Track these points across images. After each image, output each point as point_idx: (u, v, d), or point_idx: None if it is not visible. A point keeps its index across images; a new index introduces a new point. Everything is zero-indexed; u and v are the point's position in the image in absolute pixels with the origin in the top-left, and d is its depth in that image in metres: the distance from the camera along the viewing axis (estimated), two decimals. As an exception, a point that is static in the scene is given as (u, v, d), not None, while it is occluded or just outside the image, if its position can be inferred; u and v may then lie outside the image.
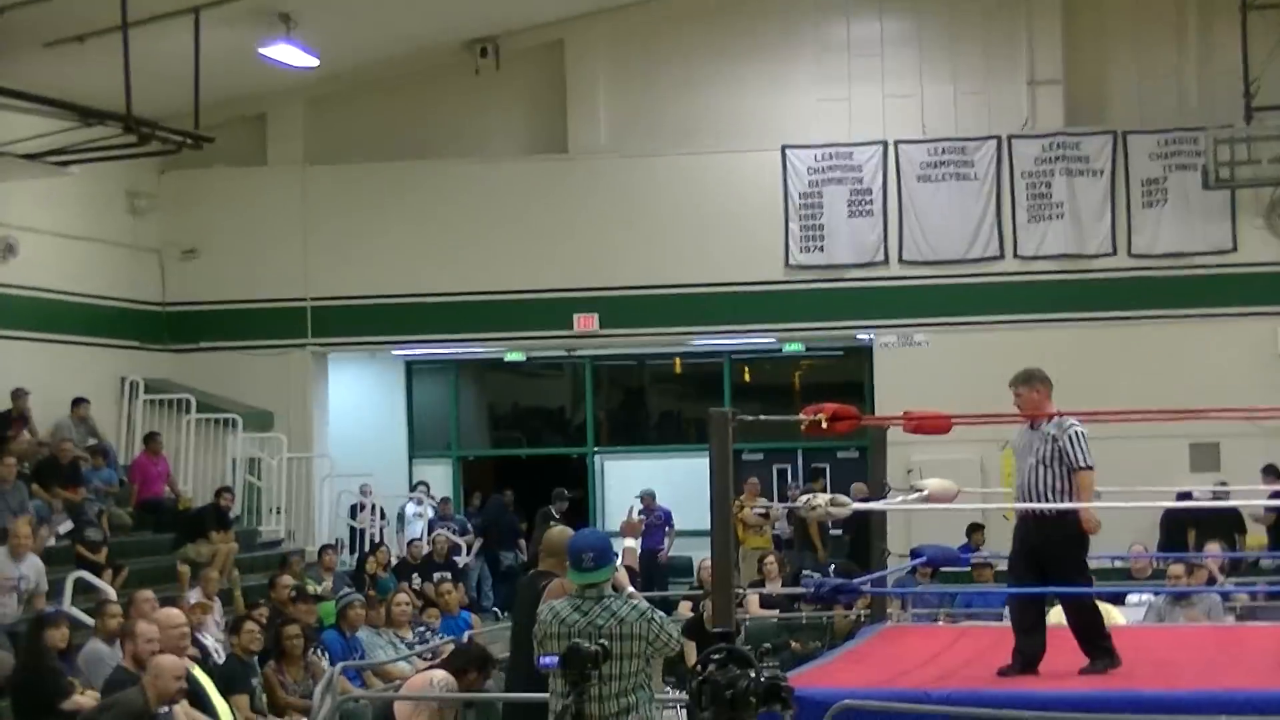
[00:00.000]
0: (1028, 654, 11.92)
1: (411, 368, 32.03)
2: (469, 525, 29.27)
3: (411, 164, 29.35)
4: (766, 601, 19.93)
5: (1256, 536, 25.17)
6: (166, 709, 12.43)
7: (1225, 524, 24.10)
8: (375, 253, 29.18)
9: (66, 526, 21.58)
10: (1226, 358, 26.52)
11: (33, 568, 18.34)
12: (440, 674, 12.68)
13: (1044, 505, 11.90)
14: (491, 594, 29.24)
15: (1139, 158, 27.66)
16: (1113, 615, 16.54)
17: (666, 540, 28.64)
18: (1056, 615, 16.14)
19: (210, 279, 29.22)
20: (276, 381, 28.89)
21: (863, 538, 19.25)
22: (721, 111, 29.03)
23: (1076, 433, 11.96)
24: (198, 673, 14.15)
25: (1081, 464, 11.89)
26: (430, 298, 29.10)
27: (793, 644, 18.36)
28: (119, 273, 28.29)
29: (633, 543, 10.91)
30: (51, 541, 21.07)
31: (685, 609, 19.83)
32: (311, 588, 20.93)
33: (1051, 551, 11.98)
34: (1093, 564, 19.93)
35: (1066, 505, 11.83)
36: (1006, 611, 18.34)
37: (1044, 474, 11.93)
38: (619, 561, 10.12)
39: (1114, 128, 27.85)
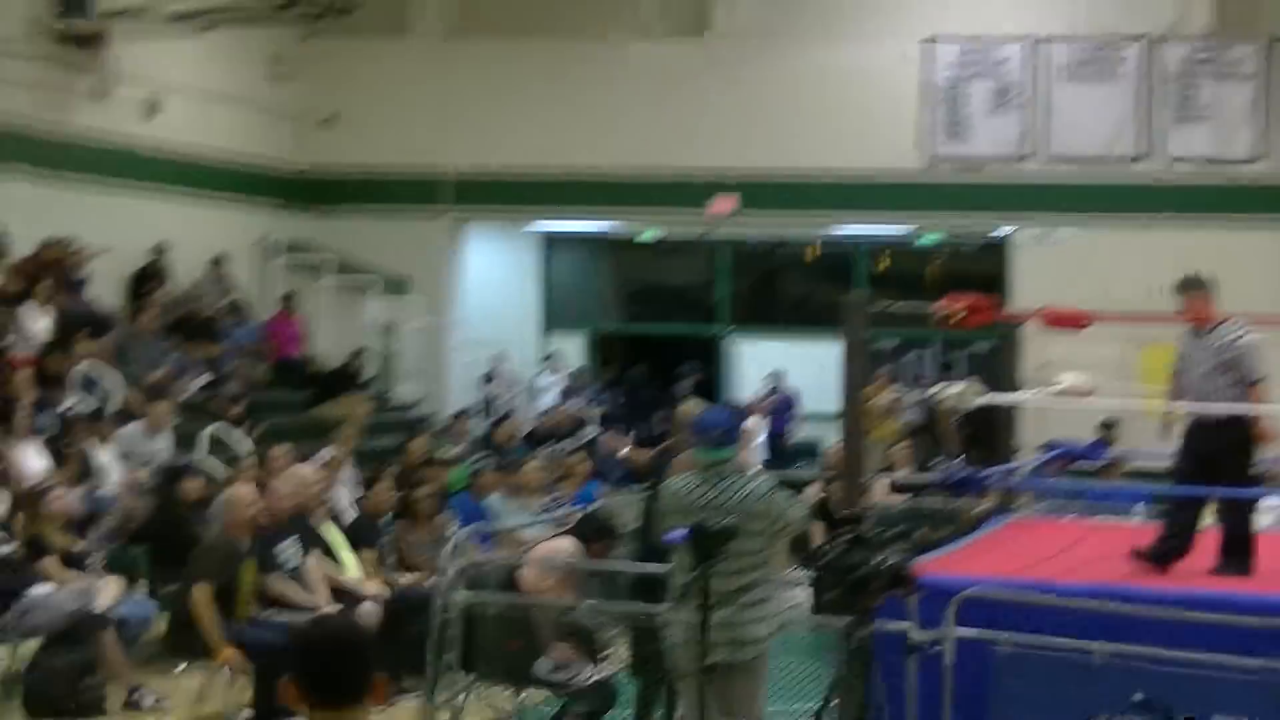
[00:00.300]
0: (1167, 551, 11.93)
1: (550, 241, 32.12)
2: (602, 398, 29.42)
3: (553, 41, 29.32)
4: (894, 488, 19.93)
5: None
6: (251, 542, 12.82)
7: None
8: (516, 126, 29.21)
9: (203, 380, 21.89)
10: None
11: (167, 443, 18.59)
12: (567, 542, 12.80)
13: (1215, 410, 11.90)
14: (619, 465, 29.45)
15: (1288, 64, 27.30)
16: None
17: (791, 424, 28.73)
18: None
19: (350, 145, 29.32)
20: (414, 248, 29.03)
21: (985, 432, 19.23)
22: (867, -1, 28.92)
23: (1249, 342, 11.90)
24: (329, 528, 14.42)
25: (1255, 375, 11.85)
26: (570, 173, 29.14)
27: (924, 531, 18.34)
28: (259, 136, 28.46)
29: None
30: (190, 394, 21.38)
31: (813, 492, 19.87)
32: (443, 452, 21.14)
33: (1222, 458, 11.96)
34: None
35: (1238, 408, 11.89)
36: (1141, 509, 18.41)
37: (1216, 383, 11.89)
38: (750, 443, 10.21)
39: (1265, 34, 27.42)
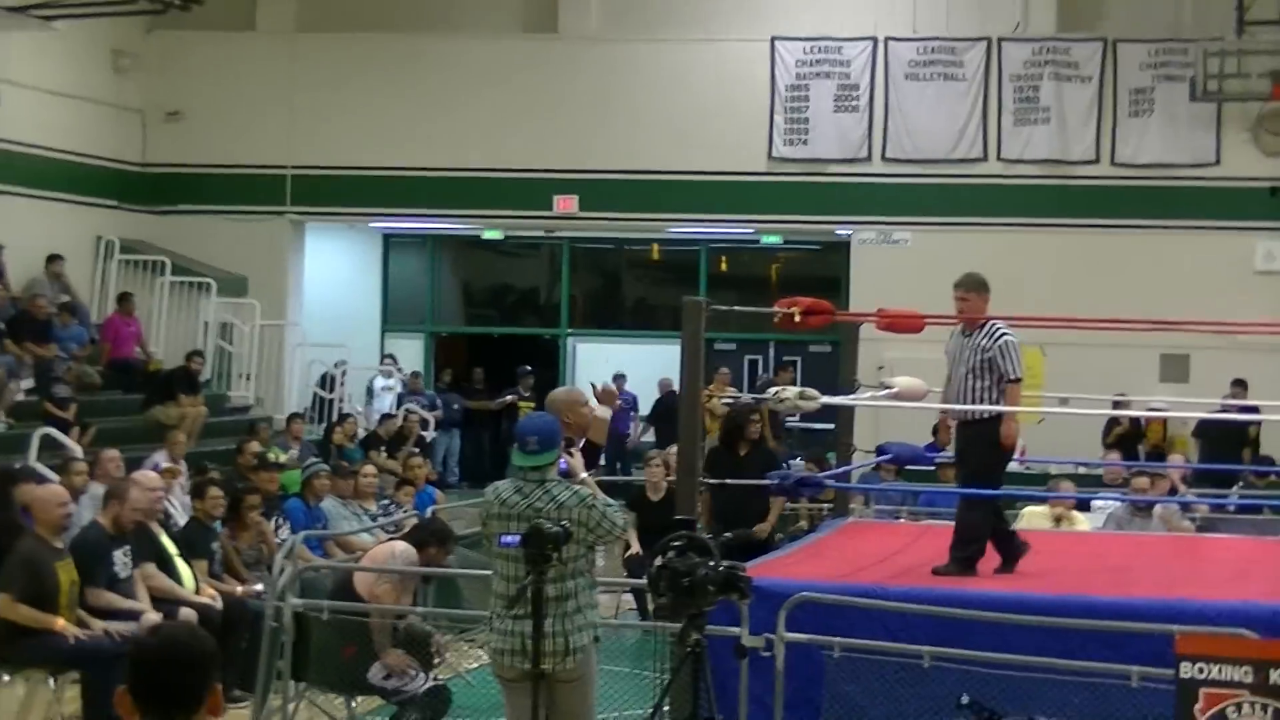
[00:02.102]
0: (968, 558, 11.99)
1: (389, 241, 31.96)
2: (438, 401, 29.29)
3: (400, 37, 29.21)
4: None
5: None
6: (62, 544, 12.56)
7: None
8: (359, 124, 29.10)
9: (30, 384, 21.56)
10: (1204, 270, 26.57)
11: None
12: (401, 546, 12.69)
13: (970, 408, 12.01)
14: (457, 469, 29.35)
15: (1128, 66, 27.57)
16: (1077, 521, 16.68)
17: (633, 425, 28.78)
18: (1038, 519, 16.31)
19: (192, 142, 29.09)
20: (253, 248, 28.81)
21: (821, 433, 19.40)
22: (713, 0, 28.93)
23: (1008, 342, 11.99)
24: (162, 537, 14.20)
25: (1012, 375, 11.92)
26: (411, 172, 29.06)
27: (757, 528, 18.37)
28: (101, 131, 28.15)
29: (604, 412, 10.82)
30: (19, 397, 21.05)
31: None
32: (276, 455, 20.93)
33: (968, 454, 12.09)
34: (1059, 468, 20.19)
35: (991, 409, 11.98)
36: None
37: (974, 383, 11.97)
38: (592, 432, 10.15)
39: (1105, 35, 27.73)
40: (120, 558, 13.18)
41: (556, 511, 9.09)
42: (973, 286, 12.37)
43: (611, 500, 9.75)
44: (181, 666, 4.69)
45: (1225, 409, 22.73)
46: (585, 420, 10.33)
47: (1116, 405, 22.62)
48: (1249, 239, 27.08)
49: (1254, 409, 22.79)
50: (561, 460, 9.53)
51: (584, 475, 9.70)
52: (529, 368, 29.22)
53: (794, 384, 24.46)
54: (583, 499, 9.23)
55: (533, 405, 26.63)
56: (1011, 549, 12.16)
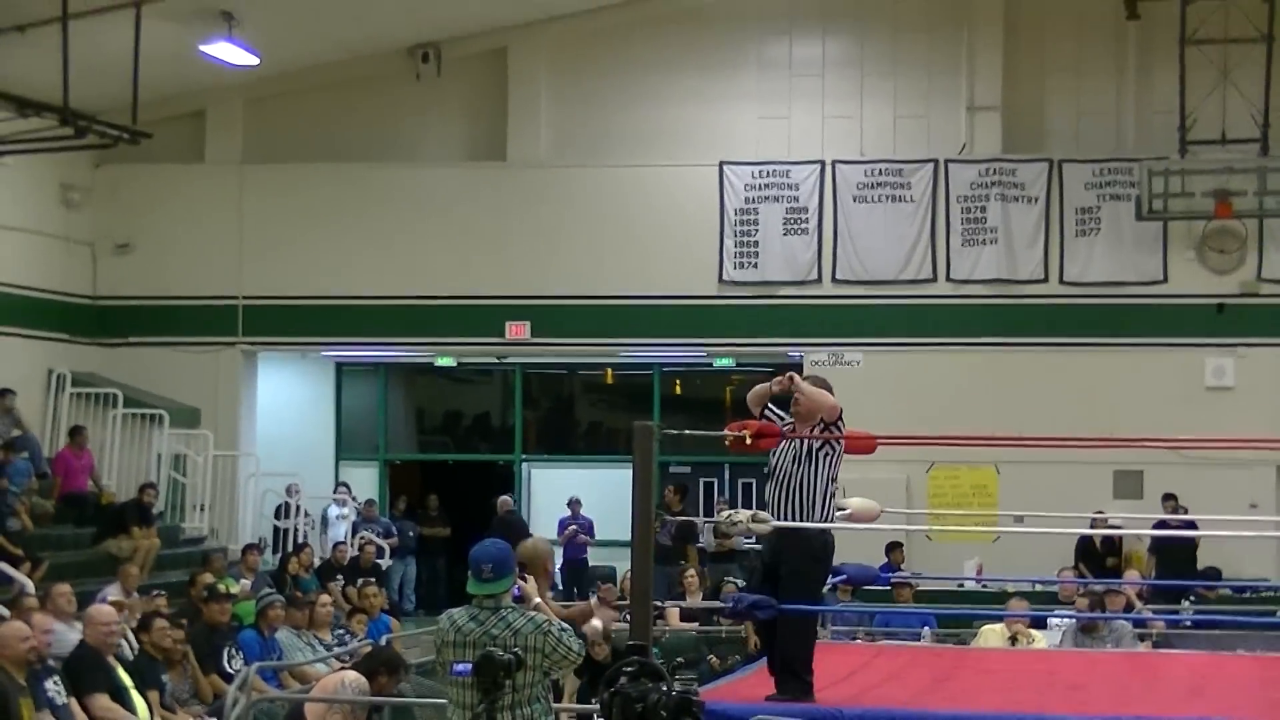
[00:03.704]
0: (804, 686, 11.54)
1: (341, 369, 31.93)
2: (393, 529, 29.18)
3: (349, 166, 29.32)
4: (686, 615, 19.94)
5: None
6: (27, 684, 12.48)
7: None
8: (309, 253, 29.16)
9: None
10: (1154, 387, 26.72)
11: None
12: (352, 675, 12.59)
13: (785, 523, 11.35)
14: (413, 597, 29.22)
15: (1074, 186, 27.81)
16: (1035, 638, 16.68)
17: (588, 550, 28.75)
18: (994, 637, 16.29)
19: (142, 274, 29.11)
20: (205, 379, 28.81)
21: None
22: (661, 125, 29.10)
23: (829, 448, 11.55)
24: (119, 669, 14.11)
25: (836, 404, 11.47)
26: (362, 300, 29.10)
27: (711, 659, 18.35)
28: (50, 265, 28.16)
29: (598, 623, 10.73)
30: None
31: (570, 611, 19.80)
32: (228, 586, 20.80)
33: (786, 566, 11.52)
34: (1015, 586, 20.23)
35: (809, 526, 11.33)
36: (928, 630, 18.54)
37: (788, 480, 11.54)
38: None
39: (1050, 156, 27.97)
40: (51, 686, 13.10)
41: (512, 639, 9.08)
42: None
43: (567, 625, 9.73)
44: None
45: (1167, 525, 22.84)
46: (549, 577, 10.36)
47: (1094, 524, 22.64)
48: (1198, 355, 27.25)
49: (1192, 524, 22.90)
50: (515, 587, 9.52)
51: (538, 600, 9.70)
52: (509, 499, 29.16)
53: (681, 503, 24.74)
54: (538, 625, 9.22)
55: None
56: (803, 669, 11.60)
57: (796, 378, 11.69)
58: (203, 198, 29.51)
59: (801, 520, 11.39)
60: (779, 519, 11.44)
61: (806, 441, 11.48)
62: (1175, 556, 24.72)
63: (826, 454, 11.48)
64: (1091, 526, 22.64)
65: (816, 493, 11.47)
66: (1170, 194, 26.68)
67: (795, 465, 11.53)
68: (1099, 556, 25.47)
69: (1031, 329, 27.69)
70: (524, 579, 9.88)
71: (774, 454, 11.66)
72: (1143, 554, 25.64)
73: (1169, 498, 25.12)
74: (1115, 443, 18.95)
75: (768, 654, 11.88)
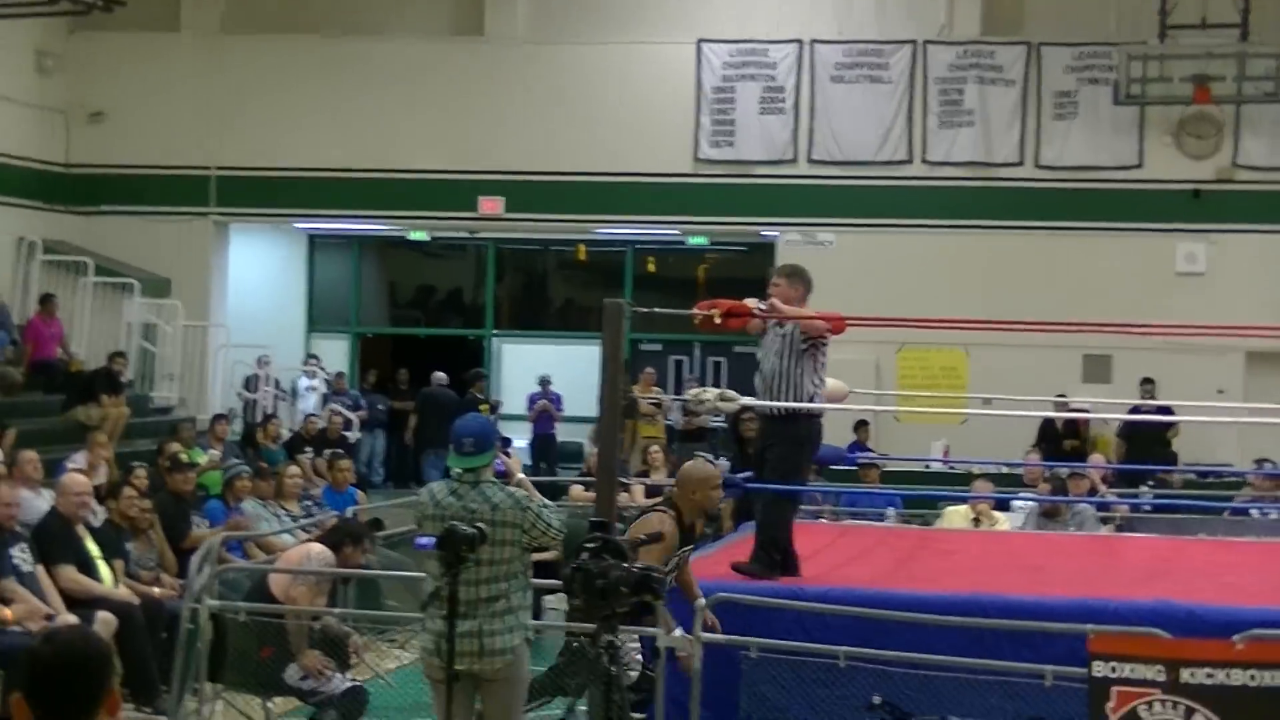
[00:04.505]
0: (770, 563, 11.84)
1: (314, 242, 31.82)
2: (362, 402, 29.20)
3: (326, 39, 29.16)
4: (651, 492, 19.97)
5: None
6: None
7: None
8: (283, 126, 29.03)
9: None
10: (1125, 272, 26.74)
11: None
12: (317, 548, 12.62)
13: (779, 405, 11.76)
14: (382, 470, 29.27)
15: (1052, 70, 27.71)
16: (998, 520, 16.76)
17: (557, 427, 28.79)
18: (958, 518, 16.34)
19: (116, 143, 28.96)
20: (177, 249, 28.73)
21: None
22: (640, 2, 28.99)
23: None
24: (88, 539, 14.09)
25: (818, 317, 11.80)
26: (336, 173, 28.99)
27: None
28: (23, 131, 28.00)
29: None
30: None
31: (577, 493, 19.89)
32: (194, 457, 20.74)
33: (772, 450, 11.88)
34: (981, 468, 20.30)
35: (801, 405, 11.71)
36: (893, 511, 18.63)
37: (777, 371, 11.80)
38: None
39: (1029, 39, 27.85)
40: (17, 553, 13.09)
41: (491, 513, 9.08)
42: (785, 274, 12.16)
43: (548, 502, 9.75)
44: (76, 672, 4.70)
45: (1141, 409, 22.91)
46: (714, 502, 10.37)
47: (1058, 407, 22.74)
48: (1170, 241, 27.26)
49: (1168, 409, 22.99)
50: (498, 461, 9.52)
51: (520, 476, 9.70)
52: (482, 370, 29.20)
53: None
54: (518, 501, 9.22)
55: (489, 409, 26.74)
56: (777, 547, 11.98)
57: (776, 304, 11.79)
58: (177, 67, 29.30)
59: (789, 411, 11.67)
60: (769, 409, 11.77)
61: (791, 336, 11.68)
62: (1147, 442, 24.84)
63: (812, 352, 11.60)
64: (1054, 410, 22.78)
65: (804, 385, 11.70)
66: (1149, 79, 26.65)
67: (781, 360, 11.78)
68: (1059, 439, 25.55)
69: (1006, 212, 27.64)
70: (507, 454, 9.88)
71: (762, 347, 11.96)
72: (1109, 438, 25.72)
73: (1146, 381, 25.24)
74: (1084, 327, 18.94)
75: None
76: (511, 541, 9.14)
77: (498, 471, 9.46)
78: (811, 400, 11.74)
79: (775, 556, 11.80)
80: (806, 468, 12.43)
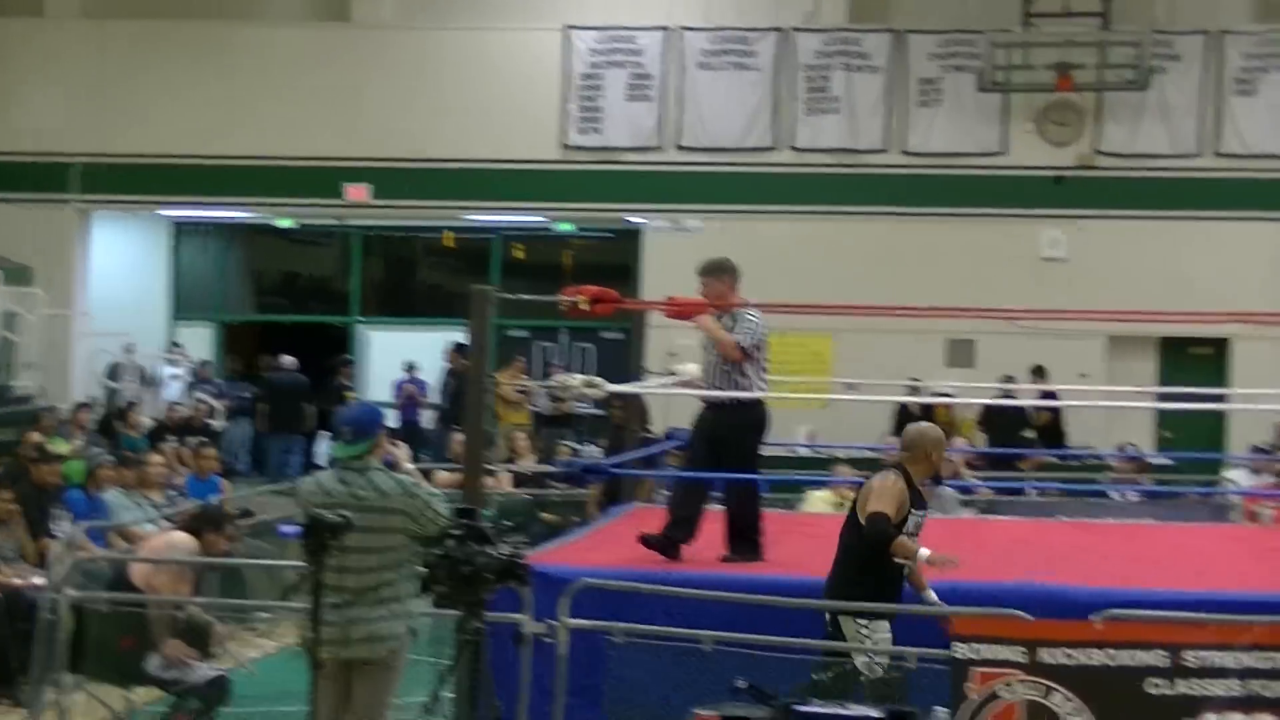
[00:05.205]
0: (673, 539, 12.05)
1: (179, 229, 31.51)
2: (226, 389, 28.98)
3: (189, 24, 28.98)
4: (520, 479, 19.97)
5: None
6: None
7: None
8: (148, 112, 28.77)
9: None
10: (989, 258, 26.97)
11: None
12: (180, 536, 12.52)
13: (724, 395, 12.04)
14: (247, 458, 29.03)
15: (917, 57, 27.89)
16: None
17: (422, 412, 28.70)
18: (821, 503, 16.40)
19: (-24, 129, 28.61)
20: (38, 236, 28.34)
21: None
22: (507, -12, 28.95)
23: (749, 317, 12.08)
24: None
25: (736, 342, 11.98)
26: (201, 160, 28.74)
27: (544, 516, 18.39)
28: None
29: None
30: None
31: (442, 479, 19.83)
32: (57, 446, 20.52)
33: (729, 441, 12.12)
34: (847, 453, 20.42)
35: (748, 395, 12.02)
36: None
37: (719, 366, 12.02)
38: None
39: (895, 26, 28.04)
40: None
41: (380, 499, 9.07)
42: (710, 271, 12.44)
43: (436, 490, 9.73)
44: None
45: (1007, 394, 23.13)
46: (938, 465, 10.45)
47: (910, 392, 22.93)
48: (1034, 227, 27.54)
49: (1052, 394, 23.22)
50: (387, 455, 9.51)
51: (409, 466, 9.69)
52: (349, 357, 29.11)
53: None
54: (406, 488, 9.23)
55: (356, 396, 26.65)
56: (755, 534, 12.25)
57: (703, 320, 12.20)
58: (39, 53, 28.98)
59: (739, 400, 12.02)
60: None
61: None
62: (1008, 427, 25.08)
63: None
64: (907, 394, 22.98)
65: (739, 378, 12.00)
66: (1012, 66, 26.93)
67: (716, 356, 12.12)
68: (917, 421, 25.68)
69: (872, 198, 27.80)
70: (395, 444, 9.85)
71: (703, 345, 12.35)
72: (972, 423, 25.92)
73: (1037, 370, 25.54)
74: (948, 312, 19.10)
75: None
76: (399, 529, 9.13)
77: (386, 462, 9.45)
78: (755, 382, 12.06)
79: (754, 538, 12.13)
80: (758, 450, 12.63)
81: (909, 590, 10.44)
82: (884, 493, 10.16)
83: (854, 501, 10.47)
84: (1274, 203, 26.90)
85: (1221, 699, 9.04)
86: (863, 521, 10.17)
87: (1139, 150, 27.43)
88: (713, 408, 12.25)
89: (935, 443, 10.51)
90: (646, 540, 11.95)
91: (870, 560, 10.12)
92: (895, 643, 10.04)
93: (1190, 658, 9.08)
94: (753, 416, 12.18)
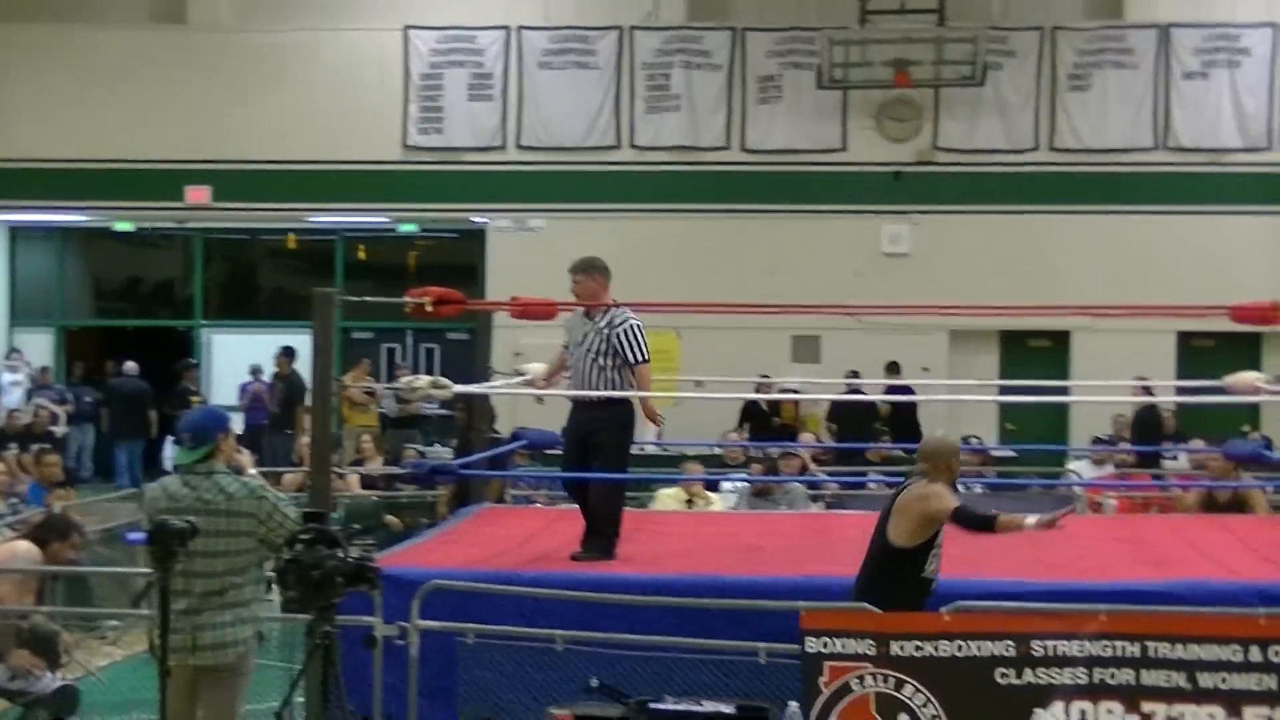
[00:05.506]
0: (607, 544, 12.14)
1: (15, 233, 31.09)
2: (68, 395, 28.65)
3: (25, 26, 28.64)
4: (368, 481, 19.88)
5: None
6: None
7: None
8: (-20, 115, 28.40)
9: None
10: (832, 253, 27.20)
11: None
12: (24, 545, 12.39)
13: (595, 394, 12.12)
14: (91, 464, 28.70)
15: (756, 55, 28.06)
16: (711, 501, 16.93)
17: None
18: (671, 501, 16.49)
19: None
20: None
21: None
22: (345, -11, 28.85)
23: (631, 326, 12.18)
24: None
25: (637, 359, 12.13)
26: (36, 163, 28.45)
27: (389, 519, 18.32)
28: None
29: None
30: None
31: (291, 482, 19.72)
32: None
33: (598, 438, 12.17)
34: (695, 450, 20.51)
35: (621, 394, 12.13)
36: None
37: (594, 365, 12.09)
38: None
39: (734, 24, 28.20)
40: None
41: (226, 503, 9.03)
42: (583, 269, 12.57)
43: (283, 495, 9.69)
44: None
45: (853, 389, 23.33)
46: (957, 473, 10.40)
47: (759, 388, 23.05)
48: (875, 222, 27.79)
49: (907, 389, 23.42)
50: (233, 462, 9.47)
51: (253, 471, 9.65)
52: (193, 360, 28.91)
53: (289, 366, 24.73)
54: (253, 490, 9.19)
55: (201, 400, 26.42)
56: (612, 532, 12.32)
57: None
58: None
59: (610, 399, 12.12)
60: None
61: (605, 336, 12.16)
62: (856, 422, 25.28)
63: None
64: (757, 390, 23.13)
65: (615, 379, 12.11)
66: (850, 63, 27.13)
67: (592, 356, 12.17)
68: (766, 418, 25.86)
69: (713, 195, 27.94)
70: (239, 450, 9.80)
71: (567, 332, 12.52)
72: (819, 418, 26.11)
73: (892, 366, 25.80)
74: (792, 309, 19.23)
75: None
76: (246, 532, 9.08)
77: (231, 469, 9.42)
78: (622, 384, 12.17)
79: (610, 535, 12.13)
80: (629, 448, 12.75)
81: (760, 585, 10.54)
82: (939, 494, 10.17)
83: (885, 510, 10.46)
84: (1108, 196, 27.33)
85: (1068, 687, 9.19)
86: (891, 531, 10.20)
87: (976, 145, 27.75)
88: (586, 406, 12.27)
89: (953, 451, 10.58)
90: (579, 557, 11.96)
91: (896, 568, 10.18)
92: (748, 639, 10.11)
93: (1037, 647, 9.23)
94: (624, 414, 12.25)
